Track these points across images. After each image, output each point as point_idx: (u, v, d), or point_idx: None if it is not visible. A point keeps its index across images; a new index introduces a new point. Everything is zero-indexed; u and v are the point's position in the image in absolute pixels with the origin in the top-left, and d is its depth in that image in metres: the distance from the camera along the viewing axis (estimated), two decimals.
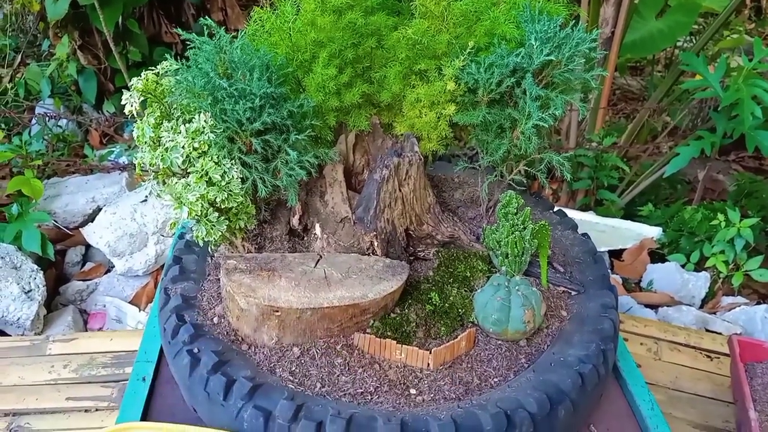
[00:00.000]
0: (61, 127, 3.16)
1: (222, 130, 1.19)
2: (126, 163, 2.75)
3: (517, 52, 1.23)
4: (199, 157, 1.18)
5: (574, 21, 1.26)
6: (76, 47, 3.03)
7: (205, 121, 1.18)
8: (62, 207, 2.52)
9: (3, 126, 3.05)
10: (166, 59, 1.28)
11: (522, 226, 1.27)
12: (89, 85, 3.14)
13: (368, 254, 1.33)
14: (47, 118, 3.05)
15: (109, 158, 2.83)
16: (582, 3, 2.60)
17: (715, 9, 3.16)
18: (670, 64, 3.89)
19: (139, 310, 2.21)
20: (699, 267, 2.38)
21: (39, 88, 3.21)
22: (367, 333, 1.21)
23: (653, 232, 2.54)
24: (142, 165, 1.23)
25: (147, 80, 1.24)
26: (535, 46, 1.22)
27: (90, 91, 3.14)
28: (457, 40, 1.29)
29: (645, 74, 4.25)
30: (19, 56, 3.42)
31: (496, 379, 1.19)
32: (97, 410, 1.72)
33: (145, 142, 1.22)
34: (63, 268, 2.45)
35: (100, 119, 3.20)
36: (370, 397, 1.13)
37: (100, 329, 2.20)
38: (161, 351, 1.42)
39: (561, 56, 1.23)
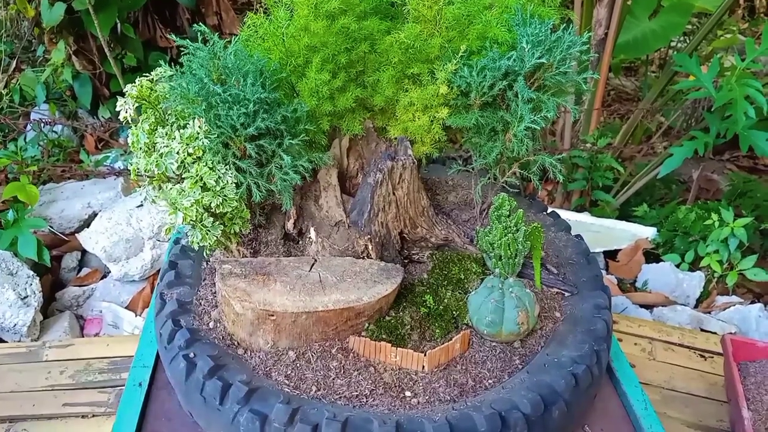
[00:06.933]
0: (56, 132, 3.16)
1: (216, 135, 1.19)
2: (121, 168, 2.75)
3: (509, 55, 1.24)
4: (193, 163, 1.19)
5: (565, 24, 1.27)
6: (71, 52, 3.03)
7: (199, 126, 1.19)
8: (58, 213, 2.52)
9: None
10: (160, 65, 1.29)
11: (515, 228, 1.28)
12: (84, 91, 3.14)
13: (363, 257, 1.33)
14: (42, 124, 3.05)
15: (104, 163, 2.83)
16: (575, 4, 2.61)
17: (709, 9, 3.17)
18: (664, 65, 3.91)
19: (136, 316, 2.21)
20: (693, 267, 2.40)
21: (34, 93, 3.20)
22: (362, 336, 1.22)
23: (648, 232, 2.55)
24: (137, 171, 1.23)
25: (141, 86, 1.24)
26: (526, 50, 1.23)
27: (85, 96, 3.14)
28: (450, 43, 1.30)
29: (639, 75, 4.27)
30: (14, 62, 3.41)
31: (490, 381, 1.19)
32: (94, 416, 1.72)
33: (140, 148, 1.23)
34: (59, 274, 2.45)
35: (96, 124, 3.19)
36: (365, 400, 1.13)
37: (96, 335, 2.20)
38: (157, 356, 1.43)
39: (552, 59, 1.24)
